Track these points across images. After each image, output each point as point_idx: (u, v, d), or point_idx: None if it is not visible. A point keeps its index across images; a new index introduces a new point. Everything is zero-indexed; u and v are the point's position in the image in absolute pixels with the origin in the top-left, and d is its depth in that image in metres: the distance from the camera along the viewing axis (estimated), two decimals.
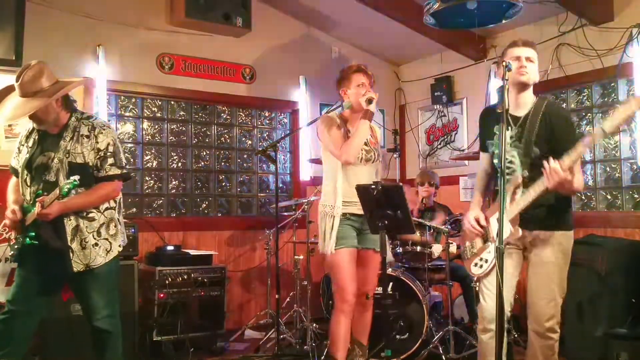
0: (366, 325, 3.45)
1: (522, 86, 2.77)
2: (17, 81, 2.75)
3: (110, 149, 2.83)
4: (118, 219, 2.95)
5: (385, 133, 5.96)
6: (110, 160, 2.82)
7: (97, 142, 2.80)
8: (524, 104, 2.79)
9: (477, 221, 2.83)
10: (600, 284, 3.79)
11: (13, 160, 2.97)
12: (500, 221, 2.34)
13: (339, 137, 3.32)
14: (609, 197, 4.71)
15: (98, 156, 2.81)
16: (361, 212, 3.09)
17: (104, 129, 2.84)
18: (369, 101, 3.28)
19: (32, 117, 2.78)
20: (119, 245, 2.91)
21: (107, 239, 2.85)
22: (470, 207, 2.92)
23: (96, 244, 2.80)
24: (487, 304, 2.77)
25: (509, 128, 2.77)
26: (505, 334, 2.78)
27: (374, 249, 3.32)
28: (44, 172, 2.78)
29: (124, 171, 2.90)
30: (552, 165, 2.47)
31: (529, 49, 2.77)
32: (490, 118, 2.87)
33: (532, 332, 2.76)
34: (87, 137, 2.80)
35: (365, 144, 3.35)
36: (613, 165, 4.68)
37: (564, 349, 2.83)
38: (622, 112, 2.38)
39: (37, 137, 2.87)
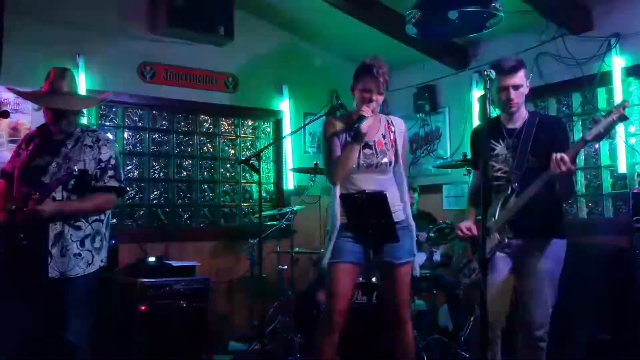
0: (407, 347, 3.03)
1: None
2: (61, 78, 2.86)
3: (112, 162, 2.90)
4: (104, 234, 2.93)
5: None
6: (111, 173, 2.88)
7: (100, 153, 2.87)
8: (518, 117, 2.84)
9: (469, 229, 2.87)
10: (582, 291, 3.83)
11: (7, 164, 2.96)
12: (482, 229, 2.36)
13: (332, 148, 3.03)
14: (590, 204, 4.77)
15: (99, 167, 2.85)
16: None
17: (108, 142, 2.94)
18: (360, 118, 2.89)
19: (58, 114, 2.84)
20: (101, 261, 2.89)
21: (90, 251, 2.83)
22: (465, 219, 2.96)
23: (79, 254, 2.78)
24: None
25: (504, 140, 2.81)
26: (499, 344, 2.80)
27: (392, 262, 2.94)
28: (40, 174, 2.79)
29: (122, 185, 2.95)
30: (559, 154, 2.50)
31: (514, 76, 2.74)
32: (482, 136, 2.89)
33: (522, 341, 2.78)
34: (91, 147, 2.88)
35: (370, 147, 3.00)
36: (594, 173, 4.75)
37: (549, 356, 2.85)
38: (604, 123, 2.44)
39: (39, 141, 2.90)
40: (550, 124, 2.87)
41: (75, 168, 2.66)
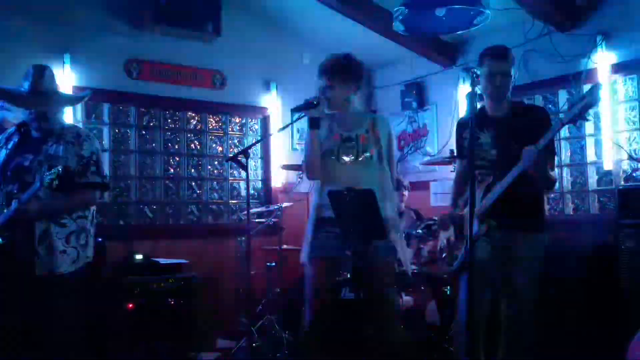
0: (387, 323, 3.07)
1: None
2: (40, 77, 2.80)
3: (94, 157, 2.86)
4: (90, 230, 2.91)
5: None
6: (93, 168, 2.85)
7: (81, 149, 2.83)
8: (502, 106, 2.88)
9: (452, 217, 2.92)
10: (567, 289, 3.86)
11: None
12: (470, 220, 2.38)
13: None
14: (576, 200, 4.81)
15: (81, 163, 2.82)
16: None
17: (89, 138, 2.90)
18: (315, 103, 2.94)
19: (38, 113, 2.81)
20: (87, 257, 2.87)
21: (75, 248, 2.82)
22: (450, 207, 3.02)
23: (64, 252, 2.77)
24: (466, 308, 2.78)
25: (488, 129, 2.85)
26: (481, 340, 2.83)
27: (378, 256, 2.91)
28: (22, 173, 2.76)
29: (105, 181, 2.92)
30: (526, 147, 2.58)
31: (501, 63, 2.78)
32: (468, 126, 2.92)
33: (506, 337, 2.81)
34: (72, 143, 2.83)
35: (351, 139, 3.04)
36: (579, 169, 4.79)
37: (532, 354, 2.88)
38: (580, 104, 2.49)
39: (18, 139, 2.87)
40: (534, 111, 2.95)
41: (60, 168, 2.62)
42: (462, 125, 3.12)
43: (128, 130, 5.20)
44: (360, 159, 3.01)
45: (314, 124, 2.97)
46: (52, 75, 2.89)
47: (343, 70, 3.03)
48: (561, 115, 2.62)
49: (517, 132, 2.78)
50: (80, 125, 4.86)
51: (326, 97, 3.00)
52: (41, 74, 2.83)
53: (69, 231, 2.81)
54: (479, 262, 2.67)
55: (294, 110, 3.02)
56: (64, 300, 2.79)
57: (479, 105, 2.91)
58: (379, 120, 3.14)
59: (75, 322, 2.84)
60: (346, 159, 3.01)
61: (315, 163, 3.00)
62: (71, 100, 3.43)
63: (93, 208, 2.96)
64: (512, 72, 2.84)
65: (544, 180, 2.71)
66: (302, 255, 3.05)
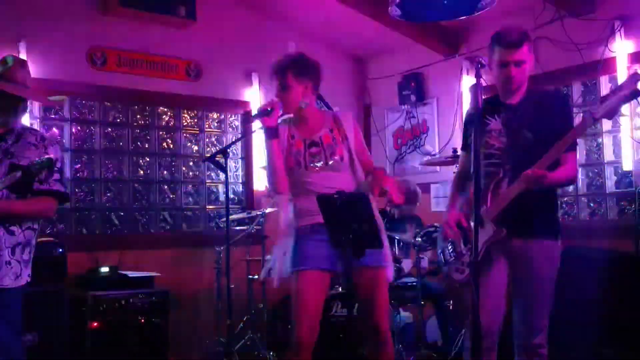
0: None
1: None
2: (21, 67, 2.89)
3: (58, 164, 2.90)
4: (33, 246, 2.90)
5: None
6: (57, 176, 2.88)
7: (46, 153, 2.85)
8: (517, 92, 2.84)
9: (458, 223, 2.87)
10: (583, 300, 3.88)
11: None
12: (475, 228, 2.37)
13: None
14: (592, 204, 4.83)
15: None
16: None
17: (54, 143, 2.96)
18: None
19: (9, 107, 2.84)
20: (28, 275, 2.86)
21: (19, 262, 2.80)
22: (448, 209, 2.97)
23: (9, 262, 2.74)
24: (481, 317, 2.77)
25: (499, 115, 2.85)
26: (495, 351, 2.83)
27: (368, 266, 2.90)
28: None
29: (67, 191, 2.96)
30: (526, 175, 2.60)
31: (516, 51, 2.70)
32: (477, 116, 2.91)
33: (519, 349, 2.82)
34: (35, 146, 2.87)
35: (316, 144, 3.06)
36: (596, 170, 4.81)
37: None
38: (615, 98, 2.48)
39: None
40: (551, 97, 2.92)
41: (46, 157, 2.66)
42: (471, 113, 3.08)
43: (91, 127, 5.16)
44: (330, 164, 3.04)
45: (271, 133, 2.97)
46: (29, 72, 2.98)
47: (295, 66, 3.04)
48: (590, 109, 2.58)
49: (532, 120, 2.76)
50: (37, 121, 4.84)
51: (281, 100, 3.01)
52: (23, 65, 2.94)
53: (16, 242, 2.78)
54: (487, 270, 2.67)
55: (246, 122, 3.04)
56: (8, 318, 2.75)
57: (486, 96, 2.90)
58: (340, 115, 3.18)
59: (21, 344, 2.85)
60: (316, 165, 3.03)
61: (280, 176, 3.02)
62: (42, 98, 3.57)
63: (39, 224, 2.95)
64: (530, 58, 2.80)
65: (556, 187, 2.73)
66: (281, 269, 3.02)
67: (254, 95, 5.73)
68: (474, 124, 2.55)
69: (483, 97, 2.60)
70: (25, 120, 4.52)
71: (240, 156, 5.87)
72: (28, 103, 3.01)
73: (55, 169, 2.87)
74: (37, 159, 2.68)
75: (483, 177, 2.80)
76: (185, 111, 5.62)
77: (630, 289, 3.87)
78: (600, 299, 3.86)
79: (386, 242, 3.02)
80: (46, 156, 2.70)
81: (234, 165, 5.82)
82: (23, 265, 2.82)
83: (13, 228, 2.78)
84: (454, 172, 4.69)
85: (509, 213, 2.72)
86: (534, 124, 2.75)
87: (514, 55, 2.72)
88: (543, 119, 2.74)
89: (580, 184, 4.84)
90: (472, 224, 2.75)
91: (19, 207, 2.80)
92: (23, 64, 2.96)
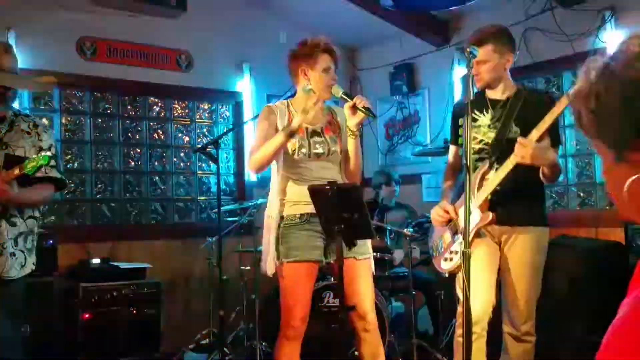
0: (375, 349, 3.06)
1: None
2: (5, 53, 2.83)
3: (53, 150, 2.88)
4: (36, 234, 2.91)
5: None
6: (52, 162, 2.85)
7: (40, 140, 2.85)
8: (504, 88, 2.95)
9: (446, 211, 2.94)
10: (573, 288, 3.92)
11: None
12: (465, 221, 2.40)
13: (262, 134, 3.02)
14: (582, 194, 4.88)
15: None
16: None
17: (47, 130, 2.95)
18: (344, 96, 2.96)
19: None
20: (33, 264, 2.86)
21: (22, 252, 2.80)
22: (440, 200, 3.06)
23: (13, 254, 2.75)
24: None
25: (488, 111, 2.94)
26: (485, 338, 2.87)
27: (355, 257, 2.97)
28: None
29: (63, 177, 2.95)
30: (521, 140, 2.64)
31: (477, 49, 2.77)
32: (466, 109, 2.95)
33: (508, 336, 2.88)
34: (28, 133, 2.86)
35: (318, 134, 3.07)
36: (586, 160, 4.85)
37: (537, 356, 2.95)
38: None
39: None
40: (539, 94, 3.06)
41: (47, 154, 2.65)
42: (458, 109, 3.16)
43: (82, 118, 5.15)
44: (330, 155, 3.06)
45: (292, 135, 2.95)
46: (16, 56, 2.92)
47: (334, 50, 3.09)
48: (569, 91, 2.65)
49: (518, 115, 2.85)
50: (27, 112, 4.82)
51: (330, 83, 3.00)
52: (8, 50, 2.88)
53: (18, 232, 2.79)
54: (477, 258, 2.71)
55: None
56: (11, 310, 2.76)
57: (476, 89, 2.96)
58: (336, 109, 3.21)
59: (20, 335, 2.85)
60: (318, 152, 3.03)
61: (270, 161, 3.01)
62: (36, 85, 3.48)
63: (41, 209, 2.96)
64: (496, 58, 2.85)
65: (549, 168, 2.75)
66: (269, 259, 3.01)
67: (246, 85, 5.73)
68: (466, 114, 2.59)
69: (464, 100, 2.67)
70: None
71: (231, 147, 5.87)
72: (17, 90, 2.98)
73: (50, 155, 2.86)
74: (33, 156, 2.65)
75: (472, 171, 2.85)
76: (176, 102, 5.62)
77: (618, 277, 3.90)
78: (589, 288, 3.90)
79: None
80: (42, 154, 2.66)
81: (226, 156, 5.83)
82: (27, 254, 2.83)
83: (14, 219, 2.79)
84: (445, 162, 4.73)
85: (497, 200, 2.77)
86: (520, 119, 2.84)
87: (476, 52, 2.78)
88: (529, 113, 2.81)
89: (570, 173, 4.88)
90: (461, 214, 2.79)
91: (28, 197, 2.81)
92: (8, 49, 2.89)
